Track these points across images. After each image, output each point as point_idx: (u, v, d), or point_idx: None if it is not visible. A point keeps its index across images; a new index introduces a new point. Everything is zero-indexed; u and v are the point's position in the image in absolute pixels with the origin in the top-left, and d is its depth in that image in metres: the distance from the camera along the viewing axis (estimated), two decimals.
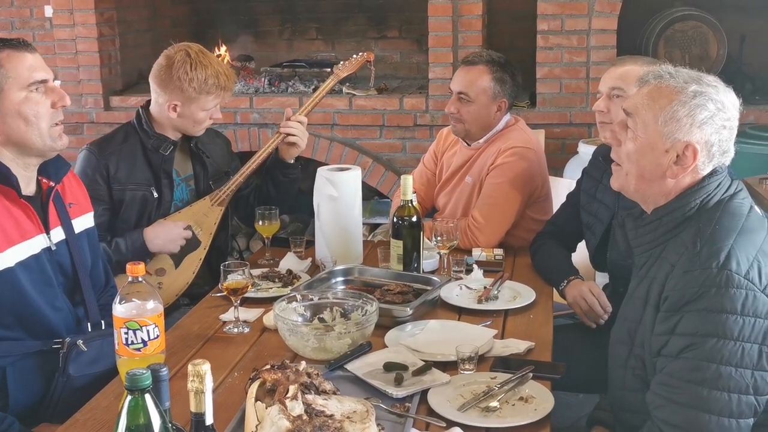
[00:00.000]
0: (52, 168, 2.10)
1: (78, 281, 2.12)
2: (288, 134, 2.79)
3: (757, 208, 1.71)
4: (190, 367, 1.32)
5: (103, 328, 2.13)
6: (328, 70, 2.98)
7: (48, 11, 5.05)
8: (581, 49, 4.25)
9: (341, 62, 2.94)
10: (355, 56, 2.93)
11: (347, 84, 4.64)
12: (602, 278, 2.84)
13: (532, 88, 4.40)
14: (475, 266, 2.59)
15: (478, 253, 2.70)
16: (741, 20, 4.60)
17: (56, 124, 2.01)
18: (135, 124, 2.74)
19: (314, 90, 3.05)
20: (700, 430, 1.56)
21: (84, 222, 2.20)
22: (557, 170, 4.11)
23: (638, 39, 4.52)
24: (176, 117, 2.68)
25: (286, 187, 2.90)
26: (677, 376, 1.59)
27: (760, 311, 1.56)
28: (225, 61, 4.93)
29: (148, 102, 2.75)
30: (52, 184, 2.08)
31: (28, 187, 2.04)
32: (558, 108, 4.32)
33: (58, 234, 2.08)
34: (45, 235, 2.04)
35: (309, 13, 5.41)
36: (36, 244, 2.01)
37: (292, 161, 2.86)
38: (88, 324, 2.12)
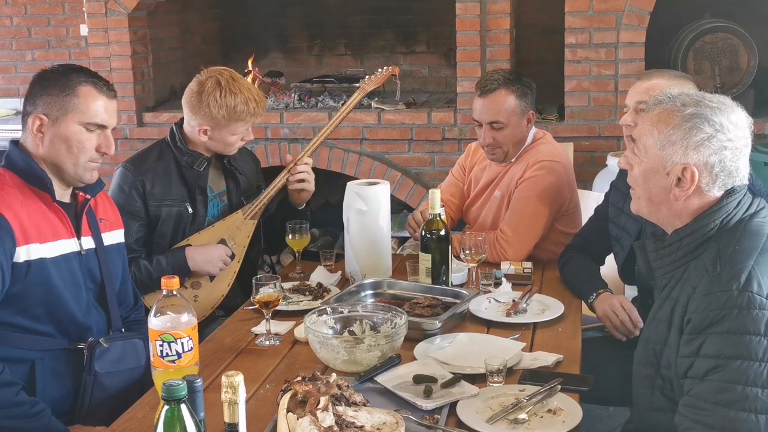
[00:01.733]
0: (89, 184, 2.21)
1: (104, 290, 2.22)
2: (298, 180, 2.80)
3: None
4: (223, 378, 1.36)
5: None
6: (357, 85, 3.01)
7: (83, 30, 5.16)
8: (609, 62, 4.25)
9: (367, 76, 2.97)
10: (380, 70, 2.95)
11: (376, 99, 4.68)
12: (630, 290, 2.83)
13: (560, 101, 4.41)
14: (503, 279, 2.60)
15: (506, 267, 2.71)
16: None
17: (93, 162, 2.14)
18: (169, 141, 2.79)
19: (343, 104, 3.08)
20: None
21: (113, 237, 2.30)
22: (586, 183, 4.11)
23: (667, 52, 4.51)
24: (207, 140, 2.73)
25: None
26: (704, 398, 1.60)
27: None
28: (254, 78, 4.99)
29: (182, 119, 2.80)
30: (87, 196, 2.20)
31: (64, 196, 2.16)
32: (586, 121, 4.32)
33: (88, 242, 2.19)
34: (76, 240, 2.15)
35: (338, 29, 5.47)
36: (67, 246, 2.12)
37: (302, 207, 2.89)
38: (110, 331, 2.22)
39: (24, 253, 2.01)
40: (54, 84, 2.09)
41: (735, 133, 1.68)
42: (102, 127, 2.13)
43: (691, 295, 1.66)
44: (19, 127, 5.77)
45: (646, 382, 1.79)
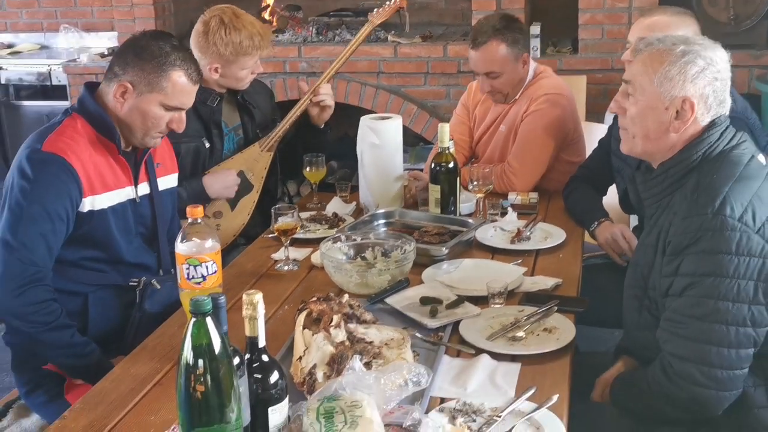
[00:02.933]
0: None
1: (156, 233, 2.36)
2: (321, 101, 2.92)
3: (759, 158, 1.82)
4: (244, 296, 1.49)
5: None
6: None
7: None
8: None
9: (375, 10, 3.02)
10: (388, 3, 2.99)
11: (393, 32, 4.74)
12: (635, 220, 2.94)
13: (574, 34, 4.45)
14: (510, 209, 2.72)
15: (513, 197, 2.82)
16: None
17: (161, 133, 2.26)
18: None
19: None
20: (703, 360, 1.71)
21: (168, 181, 2.44)
22: (598, 115, 4.18)
23: None
24: (219, 77, 2.83)
25: (314, 149, 3.00)
26: (681, 312, 1.74)
27: (754, 250, 1.68)
28: (272, 12, 5.04)
29: None
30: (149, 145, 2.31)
31: (127, 146, 2.28)
32: (600, 54, 4.37)
33: (144, 188, 2.33)
34: (133, 187, 2.29)
35: None
36: (124, 193, 2.26)
37: (323, 126, 3.01)
38: (161, 271, 2.37)
39: (89, 203, 2.16)
40: (149, 60, 2.16)
41: (721, 65, 1.81)
42: (179, 109, 2.23)
43: (672, 220, 1.78)
44: (45, 61, 5.81)
45: (635, 303, 1.93)
